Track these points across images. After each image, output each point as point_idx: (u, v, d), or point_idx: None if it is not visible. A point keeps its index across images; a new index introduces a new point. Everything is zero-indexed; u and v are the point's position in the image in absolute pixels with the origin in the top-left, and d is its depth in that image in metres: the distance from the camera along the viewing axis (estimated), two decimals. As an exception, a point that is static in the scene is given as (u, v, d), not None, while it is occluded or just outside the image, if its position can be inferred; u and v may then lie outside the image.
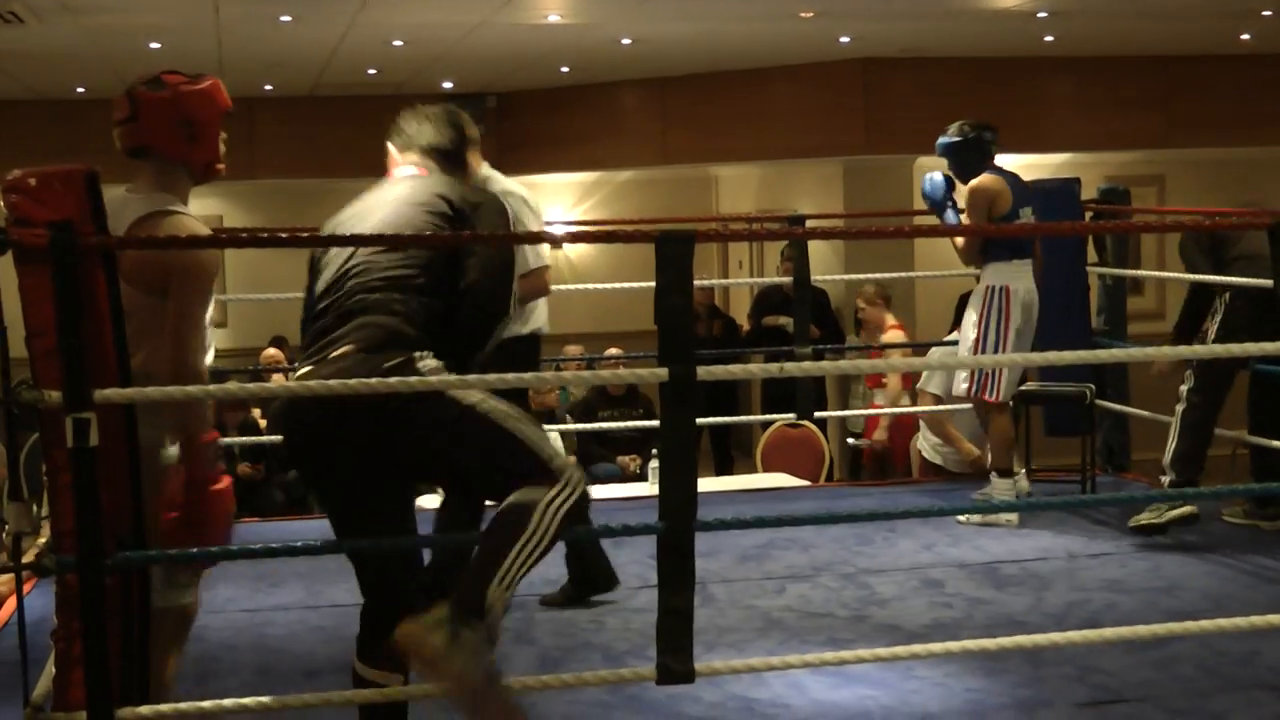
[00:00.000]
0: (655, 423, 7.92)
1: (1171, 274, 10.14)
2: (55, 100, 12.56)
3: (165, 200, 3.60)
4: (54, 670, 3.49)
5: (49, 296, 3.27)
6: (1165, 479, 6.30)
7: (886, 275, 9.99)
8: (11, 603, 5.23)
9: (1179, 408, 6.30)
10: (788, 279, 8.70)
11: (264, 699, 3.57)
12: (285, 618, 5.43)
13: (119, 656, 3.40)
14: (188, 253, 3.52)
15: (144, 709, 3.43)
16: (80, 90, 12.14)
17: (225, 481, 3.61)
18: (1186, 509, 6.17)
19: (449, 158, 3.98)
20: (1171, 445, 6.31)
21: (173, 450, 3.59)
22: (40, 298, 3.30)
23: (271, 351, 10.30)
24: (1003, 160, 13.02)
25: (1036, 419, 7.48)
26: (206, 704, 3.49)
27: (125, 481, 3.39)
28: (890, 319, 10.10)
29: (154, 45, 9.78)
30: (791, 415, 8.34)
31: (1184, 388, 6.32)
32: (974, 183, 6.73)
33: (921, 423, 8.66)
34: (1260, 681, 4.60)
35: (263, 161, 12.63)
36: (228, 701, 3.52)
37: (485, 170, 5.17)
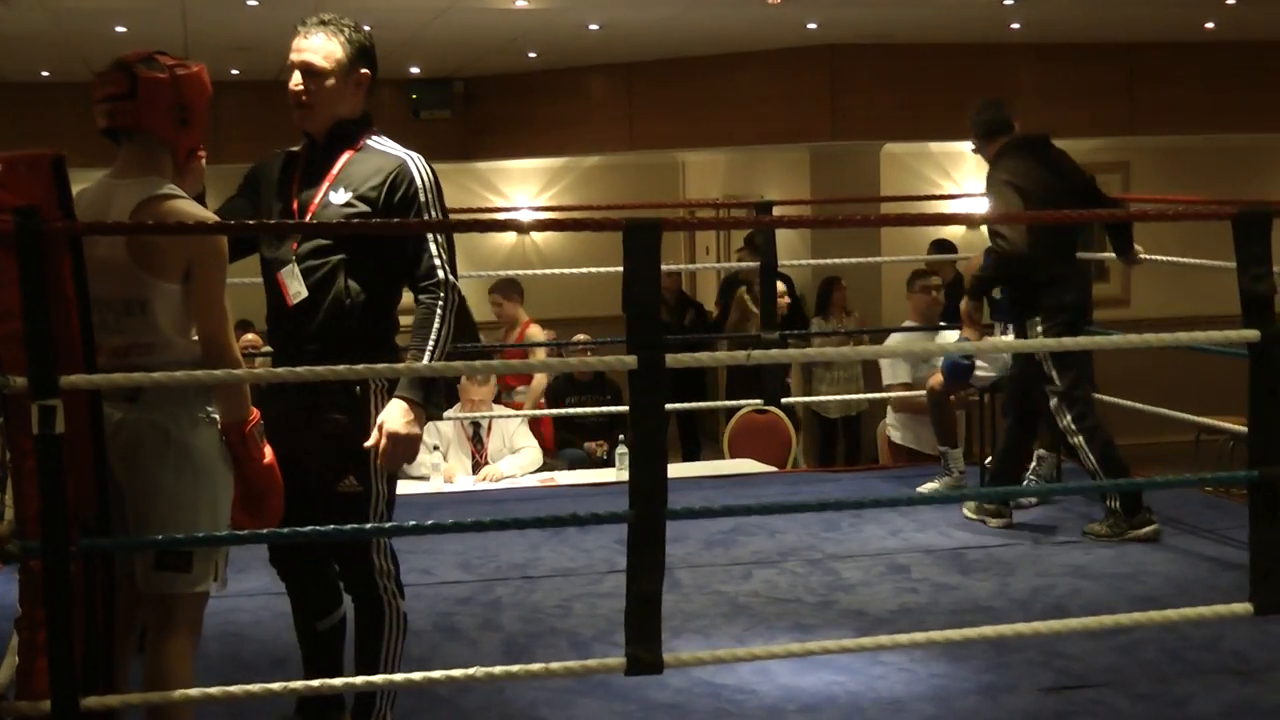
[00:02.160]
0: (623, 408, 7.95)
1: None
2: (19, 84, 12.47)
3: (161, 184, 3.52)
4: (17, 659, 3.46)
5: (14, 282, 3.24)
6: (1112, 504, 6.26)
7: (851, 260, 10.00)
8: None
9: (1078, 441, 6.23)
10: (745, 264, 8.90)
11: (230, 688, 3.56)
12: (251, 604, 5.41)
13: (83, 644, 3.38)
14: (207, 237, 3.48)
15: (110, 697, 3.41)
16: (45, 74, 12.05)
17: (270, 456, 3.62)
18: (1149, 529, 6.18)
19: None
20: (1097, 467, 6.21)
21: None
22: (6, 283, 3.27)
23: (251, 337, 10.23)
24: (967, 147, 13.14)
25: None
26: (174, 693, 3.47)
27: (90, 467, 3.37)
28: (524, 314, 9.98)
29: (120, 29, 9.72)
30: (759, 401, 8.36)
31: (1067, 421, 6.23)
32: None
33: (890, 408, 8.72)
34: (1223, 666, 4.64)
35: (229, 146, 12.54)
36: (194, 691, 3.51)
37: None
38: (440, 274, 3.82)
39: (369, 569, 3.90)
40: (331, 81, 3.89)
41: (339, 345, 3.81)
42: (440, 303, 3.81)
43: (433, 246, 3.83)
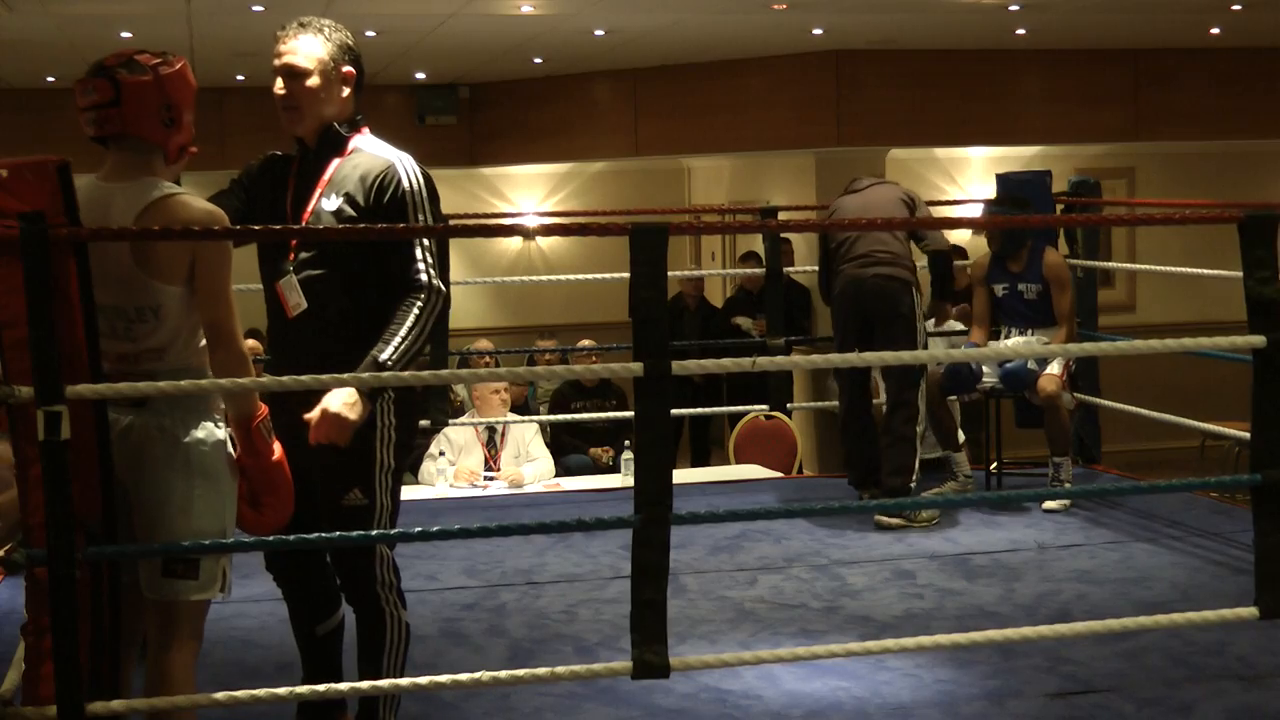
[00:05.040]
0: (628, 414, 7.96)
1: (1142, 266, 10.19)
2: (25, 89, 12.47)
3: (158, 185, 3.50)
4: (24, 664, 3.47)
5: (19, 288, 3.25)
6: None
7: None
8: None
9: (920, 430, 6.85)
10: (747, 270, 8.96)
11: (235, 693, 3.56)
12: (256, 609, 5.41)
13: (89, 650, 3.38)
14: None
15: (115, 703, 3.41)
16: (50, 79, 12.06)
17: (279, 453, 3.60)
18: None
19: None
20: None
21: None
22: (11, 289, 3.27)
23: (252, 343, 10.25)
24: (973, 153, 13.12)
25: (1007, 411, 7.52)
26: (180, 698, 3.48)
27: (95, 474, 3.37)
28: None
29: (125, 34, 9.72)
30: (764, 406, 8.36)
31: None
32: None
33: None
34: (1228, 671, 4.63)
35: (234, 152, 12.47)
36: (200, 696, 3.51)
37: None
38: (424, 278, 3.79)
39: (371, 581, 3.89)
40: (315, 81, 3.88)
41: (341, 355, 3.77)
42: (420, 301, 3.77)
43: (418, 251, 3.80)
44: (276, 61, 3.92)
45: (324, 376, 3.58)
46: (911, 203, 6.97)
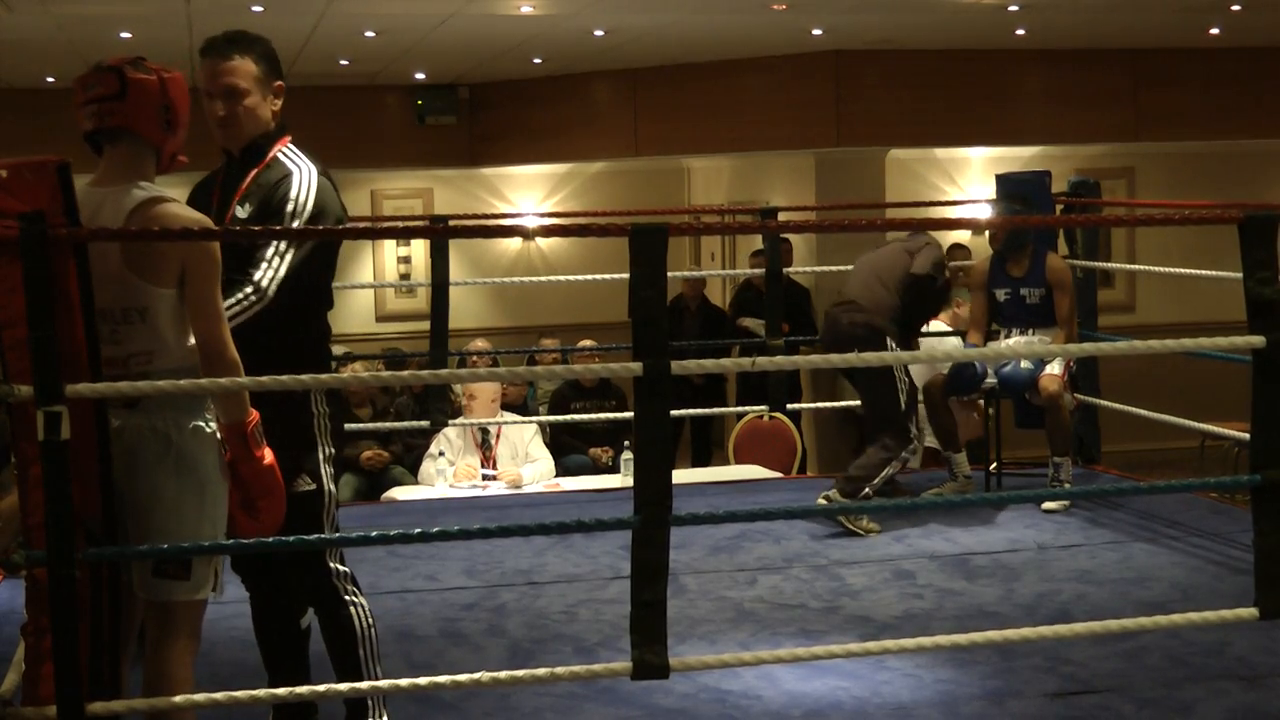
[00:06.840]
0: (628, 414, 7.96)
1: (1141, 266, 10.20)
2: (24, 89, 12.48)
3: (148, 189, 3.51)
4: (24, 664, 3.47)
5: (20, 288, 3.25)
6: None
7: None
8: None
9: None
10: (757, 271, 8.96)
11: (236, 694, 3.56)
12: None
13: (89, 650, 3.38)
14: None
15: (115, 703, 3.41)
16: (50, 80, 12.06)
17: (270, 457, 3.60)
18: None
19: None
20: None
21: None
22: (11, 289, 3.28)
23: None
24: (973, 153, 13.13)
25: (1007, 412, 7.52)
26: (178, 698, 3.48)
27: (95, 474, 3.37)
28: None
29: (124, 35, 9.73)
30: (764, 407, 8.36)
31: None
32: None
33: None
34: (1228, 672, 4.63)
35: (234, 152, 12.55)
36: (199, 696, 3.51)
37: None
38: (258, 274, 3.78)
39: (326, 573, 3.95)
40: (253, 98, 3.94)
41: (264, 354, 3.74)
42: (241, 295, 3.75)
43: (269, 251, 3.80)
44: (213, 81, 3.95)
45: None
46: (914, 252, 6.95)
